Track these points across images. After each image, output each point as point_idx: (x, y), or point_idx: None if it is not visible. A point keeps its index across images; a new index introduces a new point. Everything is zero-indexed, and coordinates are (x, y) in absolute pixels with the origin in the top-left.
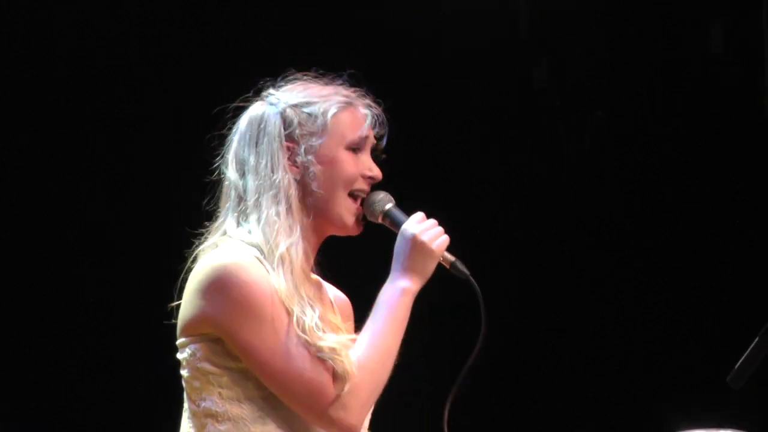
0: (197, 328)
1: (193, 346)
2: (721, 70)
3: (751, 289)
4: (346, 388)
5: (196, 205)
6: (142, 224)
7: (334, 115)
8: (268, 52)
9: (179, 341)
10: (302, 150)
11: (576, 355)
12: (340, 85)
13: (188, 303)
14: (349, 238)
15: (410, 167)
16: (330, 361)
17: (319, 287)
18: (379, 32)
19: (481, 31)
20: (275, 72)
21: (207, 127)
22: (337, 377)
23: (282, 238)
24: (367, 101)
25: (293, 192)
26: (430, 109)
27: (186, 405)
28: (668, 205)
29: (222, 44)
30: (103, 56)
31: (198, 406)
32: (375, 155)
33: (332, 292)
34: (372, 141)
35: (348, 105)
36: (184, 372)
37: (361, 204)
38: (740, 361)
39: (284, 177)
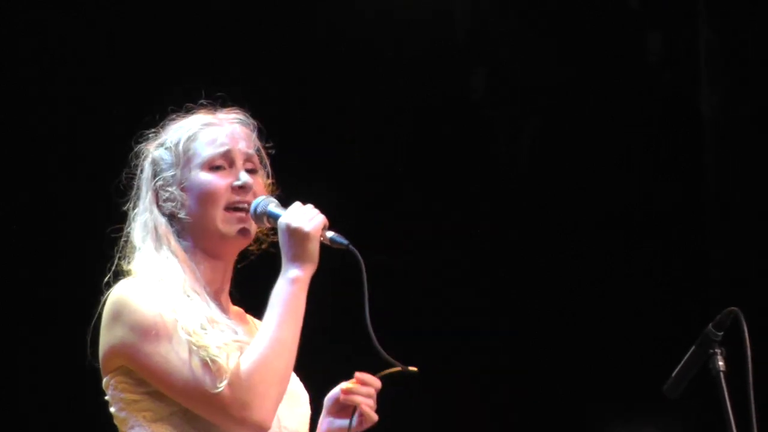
0: (110, 364)
1: (112, 381)
2: (659, 78)
3: (689, 297)
4: (222, 385)
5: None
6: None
7: (186, 141)
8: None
9: (103, 382)
10: (162, 183)
11: (514, 361)
12: (203, 108)
13: (100, 342)
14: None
15: (343, 174)
16: (212, 361)
17: (241, 316)
18: (316, 38)
19: (418, 40)
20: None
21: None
22: (219, 377)
23: (159, 268)
24: (234, 116)
25: (163, 227)
26: (365, 117)
27: None
28: (606, 212)
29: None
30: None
31: None
32: (263, 157)
33: (252, 322)
34: (243, 152)
35: (205, 125)
36: (112, 409)
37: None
38: (676, 370)
39: (151, 216)
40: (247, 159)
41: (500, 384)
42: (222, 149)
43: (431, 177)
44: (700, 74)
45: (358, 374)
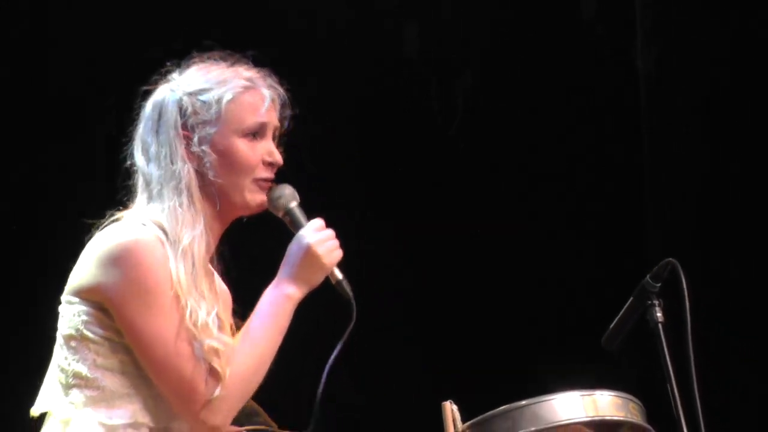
0: (88, 295)
1: (80, 308)
2: (593, 34)
3: (626, 248)
4: (217, 392)
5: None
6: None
7: (229, 101)
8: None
9: (67, 297)
10: (197, 139)
11: (450, 317)
12: (245, 65)
13: (85, 268)
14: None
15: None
16: (209, 363)
17: (212, 278)
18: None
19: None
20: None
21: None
22: (211, 380)
23: (186, 230)
24: (269, 82)
25: (194, 182)
26: (298, 81)
27: (56, 353)
28: (541, 170)
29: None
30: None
31: (68, 364)
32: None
33: (219, 283)
34: (274, 125)
35: (246, 89)
36: (62, 325)
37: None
38: (614, 322)
39: (183, 167)
40: (275, 129)
41: (441, 343)
42: (261, 120)
43: (361, 136)
44: (635, 29)
45: None
